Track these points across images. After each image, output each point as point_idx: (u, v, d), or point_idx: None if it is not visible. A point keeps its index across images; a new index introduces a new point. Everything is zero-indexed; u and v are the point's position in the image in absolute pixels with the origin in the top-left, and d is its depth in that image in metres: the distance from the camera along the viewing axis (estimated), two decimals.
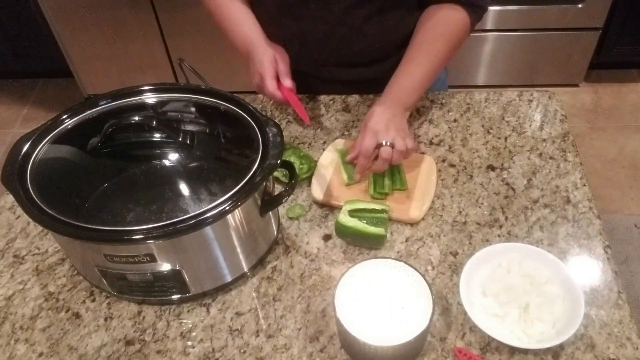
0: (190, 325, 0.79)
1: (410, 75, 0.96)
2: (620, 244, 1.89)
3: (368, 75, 1.09)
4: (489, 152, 1.00)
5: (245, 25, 1.03)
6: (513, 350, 0.73)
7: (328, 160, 0.98)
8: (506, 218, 0.89)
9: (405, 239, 0.87)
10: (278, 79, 0.97)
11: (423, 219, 0.89)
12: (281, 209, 0.92)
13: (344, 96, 1.12)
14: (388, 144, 0.86)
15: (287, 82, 0.97)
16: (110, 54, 2.35)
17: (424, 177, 0.94)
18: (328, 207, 0.92)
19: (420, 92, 0.97)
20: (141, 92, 0.88)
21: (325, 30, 1.02)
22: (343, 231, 0.84)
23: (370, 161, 0.90)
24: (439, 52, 0.96)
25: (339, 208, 0.88)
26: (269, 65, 0.96)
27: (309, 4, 0.99)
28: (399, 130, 0.88)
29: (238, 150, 0.82)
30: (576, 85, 2.51)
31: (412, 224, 0.89)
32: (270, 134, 0.79)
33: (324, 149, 1.01)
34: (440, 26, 0.97)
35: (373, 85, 1.06)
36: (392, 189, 0.91)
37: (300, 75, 1.02)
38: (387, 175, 0.92)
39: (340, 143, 1.01)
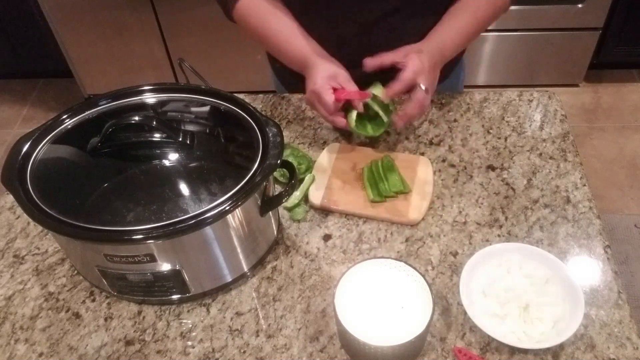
0: (190, 325, 0.79)
1: (454, 29, 0.96)
2: (620, 244, 1.89)
3: None
4: (489, 152, 1.00)
5: (297, 40, 0.97)
6: (513, 350, 0.73)
7: (325, 164, 0.97)
8: (506, 218, 0.89)
9: (405, 239, 0.87)
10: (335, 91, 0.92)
11: (423, 219, 0.89)
12: (281, 209, 0.92)
13: None
14: (424, 88, 0.87)
15: (352, 88, 0.93)
16: (110, 54, 2.35)
17: (421, 178, 0.93)
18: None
19: (459, 49, 0.99)
20: (141, 92, 0.88)
21: (364, 33, 1.01)
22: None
23: (403, 91, 0.89)
24: (482, 17, 0.98)
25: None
26: (326, 81, 0.91)
27: (349, 6, 0.98)
28: (433, 77, 0.89)
29: (238, 150, 0.82)
30: (576, 85, 2.51)
31: (412, 225, 0.88)
32: (270, 134, 0.79)
33: (324, 149, 1.01)
34: (485, 3, 0.98)
35: None
36: (392, 192, 0.90)
37: None
38: (383, 178, 0.92)
39: (336, 146, 1.00)
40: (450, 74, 1.16)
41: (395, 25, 1.00)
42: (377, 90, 0.94)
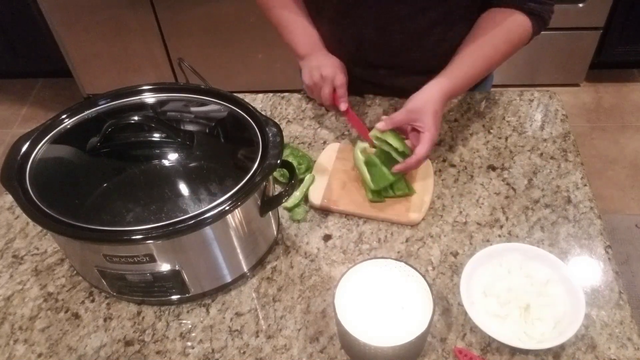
0: (190, 326, 0.79)
1: (469, 69, 0.92)
2: (621, 244, 1.89)
3: (420, 85, 1.04)
4: (489, 152, 1.00)
5: (309, 30, 1.03)
6: (514, 350, 0.73)
7: (325, 164, 0.97)
8: (507, 218, 0.89)
9: (406, 239, 0.87)
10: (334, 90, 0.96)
11: (423, 219, 0.89)
12: (281, 209, 0.92)
13: None
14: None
15: (343, 103, 0.96)
16: (110, 53, 2.35)
17: (421, 179, 0.93)
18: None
19: (470, 87, 0.95)
20: (141, 92, 0.88)
21: (384, 34, 1.01)
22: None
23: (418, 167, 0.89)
24: (497, 56, 0.94)
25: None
26: (334, 71, 0.95)
27: (370, 6, 0.97)
28: (440, 124, 0.88)
29: (238, 150, 0.82)
30: (577, 85, 2.51)
31: (412, 226, 0.88)
32: (270, 134, 0.78)
33: (323, 149, 1.01)
34: (505, 30, 0.93)
35: None
36: (397, 194, 0.90)
37: (352, 78, 1.01)
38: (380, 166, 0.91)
39: (335, 146, 1.00)
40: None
41: (419, 30, 0.99)
42: (391, 139, 0.90)
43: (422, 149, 0.85)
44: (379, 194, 0.90)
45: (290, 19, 1.03)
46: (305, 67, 1.00)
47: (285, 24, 1.04)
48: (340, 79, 0.95)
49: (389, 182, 0.88)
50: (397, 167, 0.88)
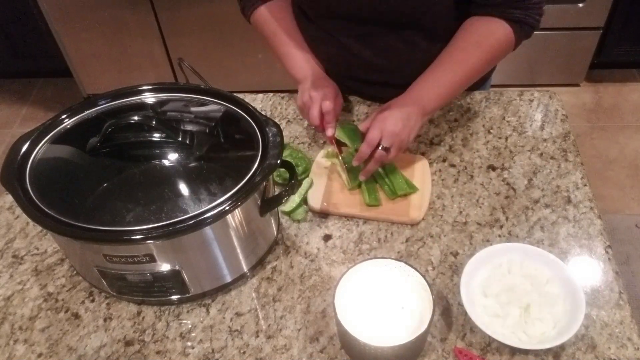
0: (190, 326, 0.79)
1: (437, 80, 0.92)
2: (621, 244, 1.89)
3: None
4: (489, 152, 1.00)
5: (306, 54, 1.03)
6: (514, 350, 0.73)
7: (323, 167, 0.97)
8: (507, 218, 0.89)
9: (406, 239, 0.87)
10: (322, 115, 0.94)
11: (423, 219, 0.89)
12: (282, 207, 0.92)
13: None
14: (383, 147, 0.85)
15: (329, 128, 0.94)
16: (110, 53, 2.35)
17: (419, 177, 0.93)
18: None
19: (445, 100, 0.93)
20: (141, 92, 0.88)
21: (368, 52, 1.01)
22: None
23: (368, 153, 0.87)
24: (472, 62, 0.92)
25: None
26: (323, 93, 0.93)
27: (353, 27, 0.98)
28: (404, 133, 0.86)
29: (238, 150, 0.82)
30: (577, 85, 2.51)
31: (412, 224, 0.88)
32: (270, 134, 0.78)
33: (323, 149, 1.01)
34: (477, 36, 0.92)
35: None
36: (399, 194, 0.90)
37: (344, 92, 1.02)
38: (380, 181, 0.91)
39: (332, 148, 1.00)
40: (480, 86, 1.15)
41: (399, 47, 1.00)
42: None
43: (369, 133, 0.86)
44: (375, 198, 0.89)
45: (288, 44, 1.03)
46: (299, 89, 0.99)
47: (284, 49, 1.04)
48: (327, 105, 0.91)
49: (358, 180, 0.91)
50: (354, 160, 0.89)
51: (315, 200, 0.91)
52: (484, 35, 0.92)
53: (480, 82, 1.12)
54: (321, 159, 0.98)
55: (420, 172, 0.94)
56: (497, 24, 0.91)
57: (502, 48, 0.93)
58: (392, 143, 0.85)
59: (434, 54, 0.95)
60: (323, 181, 0.94)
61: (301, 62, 1.02)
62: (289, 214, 0.91)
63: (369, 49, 1.01)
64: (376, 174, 0.92)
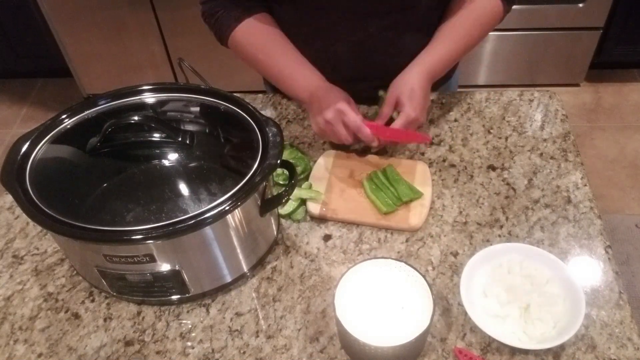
0: (190, 326, 0.79)
1: (447, 49, 0.98)
2: (621, 244, 1.89)
3: None
4: (489, 152, 1.00)
5: (304, 69, 0.98)
6: (514, 350, 0.73)
7: (322, 172, 0.96)
8: (507, 218, 0.89)
9: (406, 239, 0.87)
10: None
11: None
12: (281, 210, 0.91)
13: None
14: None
15: (374, 142, 0.93)
16: (109, 53, 2.35)
17: (420, 184, 0.92)
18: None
19: (449, 67, 1.00)
20: (141, 92, 0.88)
21: (357, 51, 1.01)
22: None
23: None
24: (473, 36, 0.99)
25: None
26: (336, 113, 0.90)
27: (341, 25, 0.98)
28: (426, 104, 0.93)
29: (238, 150, 0.82)
30: (577, 85, 2.51)
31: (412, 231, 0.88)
32: (270, 134, 0.78)
33: (324, 149, 1.01)
34: (475, 11, 0.98)
35: None
36: (404, 201, 0.89)
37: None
38: (386, 190, 0.91)
39: (332, 153, 0.99)
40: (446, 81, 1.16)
41: (389, 43, 1.00)
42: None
43: (395, 125, 0.91)
44: (389, 204, 0.88)
45: (281, 63, 0.99)
46: (310, 114, 0.96)
47: (274, 70, 1.00)
48: (354, 123, 0.89)
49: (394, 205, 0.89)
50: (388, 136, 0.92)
51: (315, 205, 0.90)
52: (482, 11, 0.99)
53: (446, 79, 1.16)
54: (320, 165, 0.97)
55: (421, 178, 0.94)
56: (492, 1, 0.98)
57: (494, 23, 1.01)
58: (424, 115, 0.93)
59: (424, 46, 0.99)
60: (322, 186, 0.93)
61: (299, 80, 0.98)
62: (286, 216, 0.90)
63: (358, 47, 1.01)
64: (379, 183, 0.92)
